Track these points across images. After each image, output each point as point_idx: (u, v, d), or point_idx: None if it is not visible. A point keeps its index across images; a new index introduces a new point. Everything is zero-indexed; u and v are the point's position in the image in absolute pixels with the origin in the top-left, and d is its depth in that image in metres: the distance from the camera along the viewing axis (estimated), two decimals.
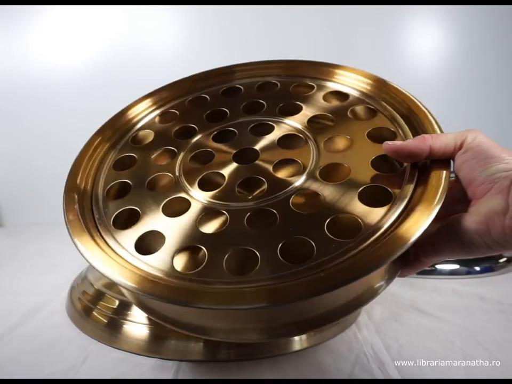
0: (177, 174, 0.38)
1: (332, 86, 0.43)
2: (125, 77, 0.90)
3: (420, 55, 0.97)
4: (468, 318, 0.47)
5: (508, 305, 0.50)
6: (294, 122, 0.40)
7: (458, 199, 0.32)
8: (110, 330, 0.43)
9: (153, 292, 0.29)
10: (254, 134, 0.40)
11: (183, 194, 0.36)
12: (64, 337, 0.44)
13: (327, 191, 0.33)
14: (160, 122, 0.45)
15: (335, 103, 0.42)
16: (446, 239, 0.30)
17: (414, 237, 0.27)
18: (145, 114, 0.46)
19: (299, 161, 0.36)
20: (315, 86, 0.43)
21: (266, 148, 0.38)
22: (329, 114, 0.40)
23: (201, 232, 0.33)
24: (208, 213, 0.35)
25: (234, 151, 0.39)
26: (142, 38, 0.90)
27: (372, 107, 0.40)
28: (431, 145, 0.31)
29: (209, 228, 0.35)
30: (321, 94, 0.42)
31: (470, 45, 0.97)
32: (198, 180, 0.37)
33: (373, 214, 0.31)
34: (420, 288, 0.55)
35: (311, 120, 0.40)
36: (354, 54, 0.95)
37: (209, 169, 0.38)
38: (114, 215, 0.36)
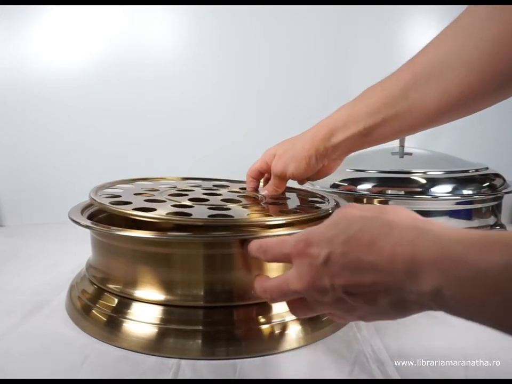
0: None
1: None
2: (125, 77, 0.90)
3: None
4: None
5: None
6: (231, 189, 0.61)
7: None
8: (110, 328, 0.43)
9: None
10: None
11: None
12: (64, 336, 0.44)
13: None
14: None
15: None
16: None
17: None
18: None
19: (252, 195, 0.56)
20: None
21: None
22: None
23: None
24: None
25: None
26: (142, 38, 0.90)
27: None
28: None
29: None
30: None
31: None
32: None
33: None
34: None
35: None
36: (354, 54, 0.96)
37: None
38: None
